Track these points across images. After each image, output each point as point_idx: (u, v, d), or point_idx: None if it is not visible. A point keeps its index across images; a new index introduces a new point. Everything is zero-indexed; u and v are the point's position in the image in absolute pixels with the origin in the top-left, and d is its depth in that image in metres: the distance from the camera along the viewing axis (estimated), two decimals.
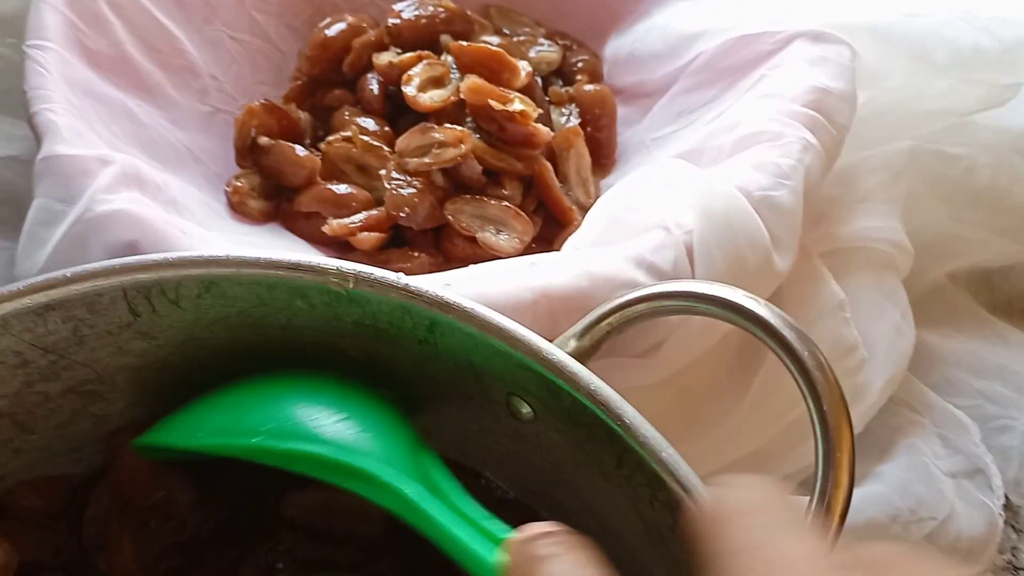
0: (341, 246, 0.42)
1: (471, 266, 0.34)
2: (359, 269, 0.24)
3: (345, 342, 0.26)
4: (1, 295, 0.24)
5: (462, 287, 0.30)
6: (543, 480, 0.28)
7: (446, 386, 0.27)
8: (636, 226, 0.32)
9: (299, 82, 0.48)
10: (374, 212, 0.41)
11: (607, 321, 0.26)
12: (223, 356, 0.27)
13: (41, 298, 0.24)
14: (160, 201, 0.35)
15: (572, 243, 0.35)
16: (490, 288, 0.30)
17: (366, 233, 0.41)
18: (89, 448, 0.29)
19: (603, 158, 0.46)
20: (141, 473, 0.28)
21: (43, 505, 0.29)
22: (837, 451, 0.23)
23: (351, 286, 0.24)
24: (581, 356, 0.25)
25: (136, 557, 0.27)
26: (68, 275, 0.24)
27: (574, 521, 0.28)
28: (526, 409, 0.25)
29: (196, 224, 0.36)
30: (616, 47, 0.49)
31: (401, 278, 0.24)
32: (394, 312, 0.25)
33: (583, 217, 0.43)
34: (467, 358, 0.25)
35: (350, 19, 0.48)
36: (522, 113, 0.41)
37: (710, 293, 0.25)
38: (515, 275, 0.30)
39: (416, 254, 0.41)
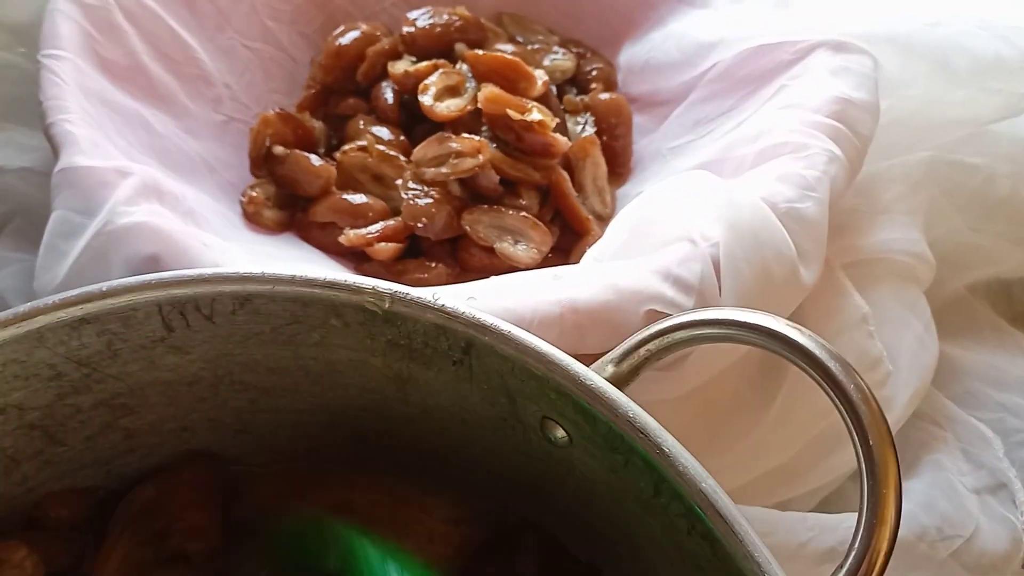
0: (357, 256, 0.42)
1: (493, 278, 0.34)
2: (395, 289, 0.24)
3: (378, 360, 0.26)
4: (36, 308, 0.24)
5: (487, 301, 0.30)
6: (575, 504, 0.28)
7: (479, 407, 0.26)
8: (660, 238, 0.32)
9: (313, 91, 0.48)
10: (391, 222, 0.41)
11: (646, 348, 0.25)
12: (255, 371, 0.27)
13: (76, 311, 0.24)
14: (179, 212, 0.34)
15: (593, 254, 0.34)
16: (516, 302, 0.30)
17: (383, 244, 0.40)
18: (118, 460, 0.28)
19: (619, 167, 0.46)
20: (191, 501, 0.27)
21: (69, 516, 0.29)
22: (883, 487, 0.22)
23: (387, 306, 0.24)
24: (619, 382, 0.25)
25: (121, 569, 0.27)
26: (104, 289, 0.24)
27: (606, 546, 0.28)
28: (561, 433, 0.25)
29: (214, 233, 0.36)
30: (631, 55, 0.48)
31: (438, 299, 0.24)
32: (429, 332, 0.25)
33: (600, 227, 0.43)
34: (502, 380, 0.25)
35: (364, 27, 0.48)
36: (540, 123, 0.41)
37: (752, 322, 0.24)
38: (540, 289, 0.30)
39: (433, 264, 0.41)
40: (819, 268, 0.33)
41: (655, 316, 0.30)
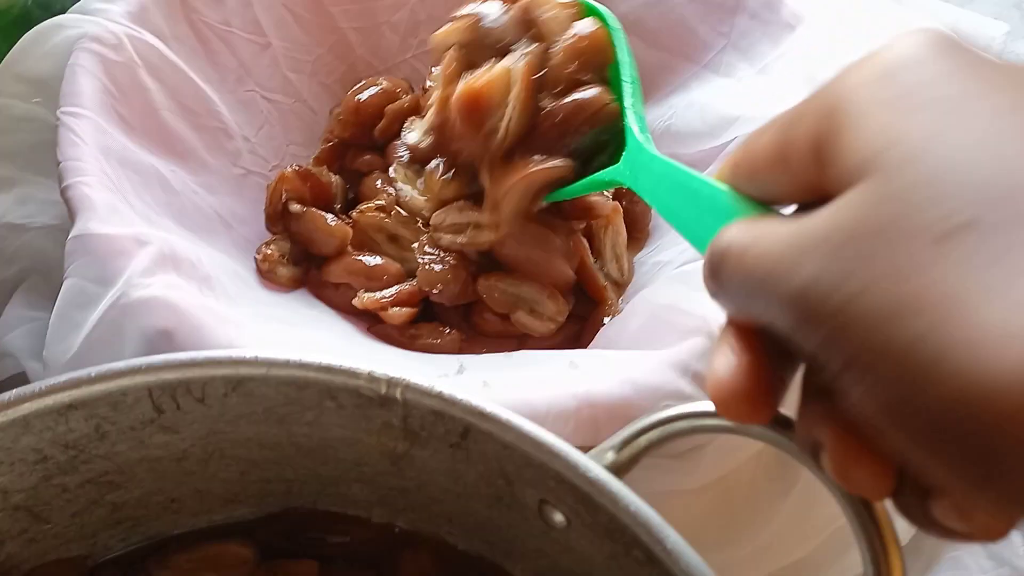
0: (370, 316, 0.42)
1: (506, 355, 0.34)
2: (392, 375, 0.24)
3: (373, 439, 0.26)
4: (22, 396, 0.24)
5: (501, 390, 0.29)
6: None
7: (475, 486, 0.26)
8: (678, 327, 0.32)
9: (330, 144, 0.48)
10: (405, 286, 0.41)
11: (646, 436, 0.25)
12: (246, 447, 0.27)
13: (64, 398, 0.24)
14: (195, 280, 0.34)
15: (608, 334, 0.34)
16: (532, 393, 0.29)
17: (397, 308, 0.40)
18: (104, 533, 0.28)
19: (637, 232, 0.45)
20: None
21: None
22: None
23: (383, 391, 0.24)
24: (618, 470, 0.25)
25: None
26: (92, 375, 0.24)
27: None
28: (559, 517, 0.25)
29: (228, 300, 0.36)
30: (652, 119, 0.48)
31: (436, 385, 0.24)
32: (426, 417, 0.24)
33: (616, 293, 0.42)
34: (499, 464, 0.24)
35: (384, 84, 0.48)
36: None
37: None
38: (556, 379, 0.30)
39: (447, 330, 0.41)
40: None
41: None
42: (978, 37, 0.42)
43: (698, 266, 0.35)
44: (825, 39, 0.41)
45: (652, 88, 0.49)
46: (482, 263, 0.41)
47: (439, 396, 0.24)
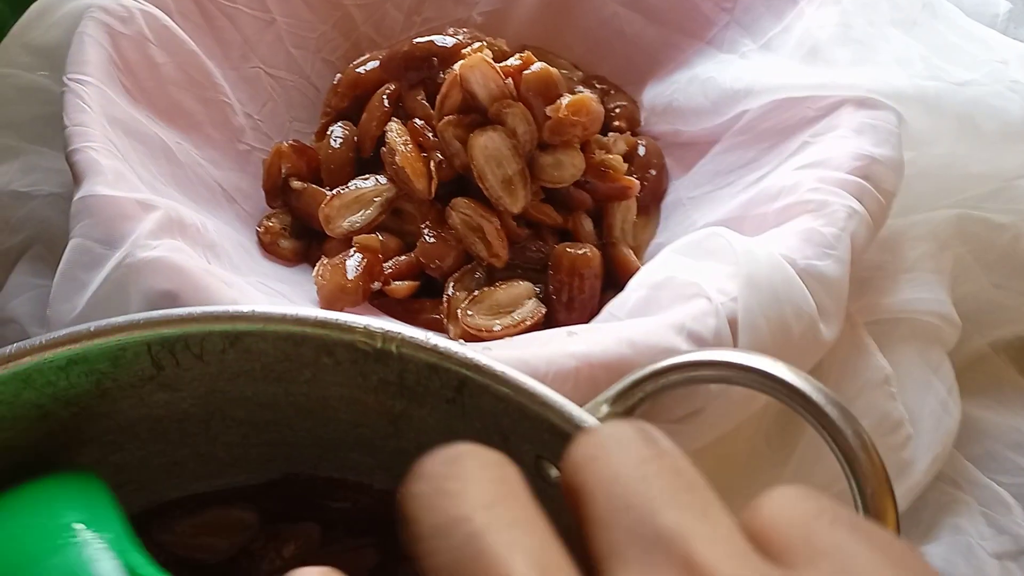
0: (375, 292, 0.42)
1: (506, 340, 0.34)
2: (387, 328, 0.24)
3: (370, 398, 0.26)
4: (23, 349, 0.24)
5: (501, 351, 0.30)
6: (569, 539, 0.28)
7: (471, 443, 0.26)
8: (678, 294, 0.32)
9: (329, 118, 0.48)
10: (403, 258, 0.41)
11: (641, 388, 0.25)
12: (245, 407, 0.27)
13: (64, 352, 0.24)
14: (200, 245, 0.34)
15: (610, 309, 0.34)
16: (530, 354, 0.29)
17: (399, 282, 0.40)
18: None
19: (648, 207, 0.45)
20: None
21: None
22: None
23: (379, 345, 0.24)
24: None
25: None
26: (92, 329, 0.24)
27: None
28: (555, 472, 0.24)
29: (232, 267, 0.36)
30: (655, 95, 0.48)
31: (431, 338, 0.24)
32: (422, 371, 0.24)
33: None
34: (495, 420, 0.24)
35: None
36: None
37: (748, 364, 0.24)
38: (556, 343, 0.30)
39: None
40: (839, 325, 0.32)
41: None
42: (980, 15, 0.42)
43: (693, 236, 0.36)
44: (828, 14, 0.41)
45: (655, 64, 0.49)
46: None
47: (434, 349, 0.24)
